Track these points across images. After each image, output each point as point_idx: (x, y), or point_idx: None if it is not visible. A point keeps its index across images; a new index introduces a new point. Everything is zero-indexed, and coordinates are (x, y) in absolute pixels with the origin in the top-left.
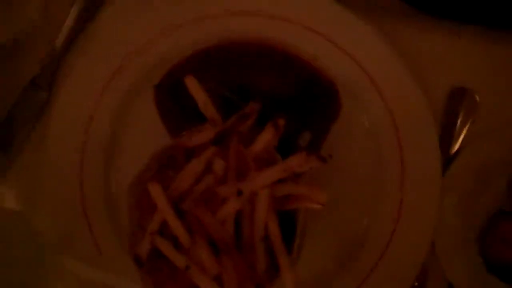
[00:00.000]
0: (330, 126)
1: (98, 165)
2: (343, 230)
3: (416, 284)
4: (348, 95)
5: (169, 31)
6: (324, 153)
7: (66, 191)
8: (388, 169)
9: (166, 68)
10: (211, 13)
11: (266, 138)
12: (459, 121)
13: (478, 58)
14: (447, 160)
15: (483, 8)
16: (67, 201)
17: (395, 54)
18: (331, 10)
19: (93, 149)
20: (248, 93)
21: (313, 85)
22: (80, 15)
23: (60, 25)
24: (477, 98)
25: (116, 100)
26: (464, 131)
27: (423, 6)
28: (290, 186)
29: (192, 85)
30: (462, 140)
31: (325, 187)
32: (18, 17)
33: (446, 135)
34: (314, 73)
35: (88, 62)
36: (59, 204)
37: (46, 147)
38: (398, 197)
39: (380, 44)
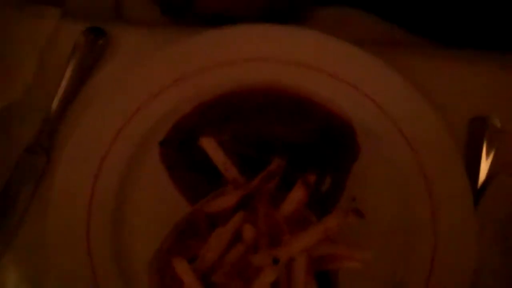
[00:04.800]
0: (350, 167)
1: (107, 237)
2: (377, 283)
3: None
4: (366, 136)
5: (172, 83)
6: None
7: (74, 265)
8: (416, 210)
9: (169, 125)
10: (217, 62)
11: (297, 197)
12: (483, 150)
13: (496, 85)
14: (476, 194)
15: (495, 33)
16: (76, 277)
17: (412, 88)
18: (343, 50)
19: (99, 220)
20: (265, 146)
21: (330, 128)
22: (75, 77)
23: (55, 88)
24: (499, 124)
25: (121, 163)
26: (489, 161)
27: (435, 36)
28: (328, 246)
29: (210, 145)
30: (489, 170)
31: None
32: (12, 82)
33: (472, 167)
34: (330, 116)
35: (87, 125)
36: (67, 283)
37: (48, 218)
38: (432, 242)
39: (395, 79)
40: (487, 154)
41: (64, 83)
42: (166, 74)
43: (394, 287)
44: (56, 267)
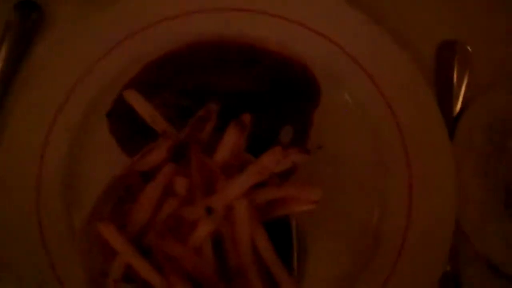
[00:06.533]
0: (312, 114)
1: (57, 205)
2: (352, 230)
3: (448, 268)
4: (325, 77)
5: (109, 50)
6: (312, 145)
7: (25, 242)
8: (387, 146)
9: (115, 92)
10: (158, 18)
11: (230, 140)
12: (455, 76)
13: (464, 10)
14: (452, 122)
15: None
16: (28, 254)
17: (367, 20)
18: None
19: (49, 190)
20: (209, 98)
21: (283, 74)
22: (12, 55)
23: None
24: (469, 49)
25: (66, 137)
26: (463, 88)
27: None
28: (271, 189)
29: (133, 98)
30: (463, 99)
31: (321, 184)
32: None
33: (444, 96)
34: (282, 61)
35: (29, 102)
36: (20, 264)
37: None
38: (406, 175)
39: (347, 13)
40: (460, 80)
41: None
42: (108, 36)
43: (372, 234)
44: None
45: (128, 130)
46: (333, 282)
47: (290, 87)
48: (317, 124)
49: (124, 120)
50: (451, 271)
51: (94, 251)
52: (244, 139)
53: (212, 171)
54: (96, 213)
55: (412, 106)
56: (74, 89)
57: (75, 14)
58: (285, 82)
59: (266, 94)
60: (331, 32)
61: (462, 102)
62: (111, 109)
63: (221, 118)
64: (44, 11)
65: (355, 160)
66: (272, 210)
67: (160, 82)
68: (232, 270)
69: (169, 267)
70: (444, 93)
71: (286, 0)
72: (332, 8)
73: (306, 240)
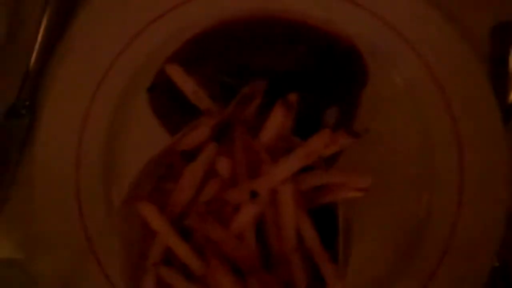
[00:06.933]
0: (359, 95)
1: (97, 187)
2: (398, 217)
3: (497, 264)
4: (373, 56)
5: (152, 21)
6: (358, 128)
7: (65, 224)
8: (438, 131)
9: (156, 67)
10: None
11: (276, 120)
12: (510, 59)
13: None
14: (507, 109)
15: None
16: (67, 236)
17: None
18: None
19: (88, 170)
20: (254, 76)
21: (330, 51)
22: (51, 29)
23: (32, 43)
24: None
25: (107, 110)
26: None
27: None
28: (319, 175)
29: (176, 73)
30: None
31: (367, 170)
32: None
33: (499, 80)
34: (328, 38)
35: (69, 75)
36: (59, 241)
37: (35, 177)
38: (457, 162)
39: None
40: None
41: (40, 36)
42: (152, 6)
43: (419, 226)
44: (47, 229)
45: (169, 106)
46: (376, 274)
47: (336, 66)
48: (364, 105)
49: (165, 96)
50: (500, 266)
51: (133, 232)
52: (291, 119)
53: (257, 153)
54: (135, 192)
55: (465, 90)
56: (116, 60)
57: None
58: (331, 61)
59: (311, 73)
60: (380, 8)
61: None
62: (152, 83)
63: (265, 98)
64: None
65: (403, 146)
66: (318, 196)
67: (202, 59)
68: (274, 256)
69: (210, 251)
70: (499, 77)
71: None
72: None
73: (351, 231)
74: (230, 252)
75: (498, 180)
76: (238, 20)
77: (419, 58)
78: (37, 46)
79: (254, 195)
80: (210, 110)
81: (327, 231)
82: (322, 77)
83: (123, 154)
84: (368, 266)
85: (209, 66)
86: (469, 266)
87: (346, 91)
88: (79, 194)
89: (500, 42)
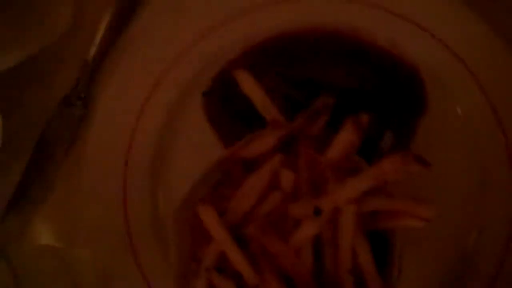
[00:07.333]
0: (417, 122)
1: (144, 186)
2: (447, 249)
3: None
4: (436, 84)
5: (214, 28)
6: None
7: (107, 218)
8: (495, 169)
9: (214, 71)
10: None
11: (345, 138)
12: None
13: None
14: None
15: None
16: (109, 231)
17: (487, 29)
18: None
19: (137, 169)
20: (317, 90)
21: (393, 75)
22: (113, 23)
23: (92, 36)
24: None
25: (160, 112)
26: None
27: None
28: (383, 199)
29: (245, 80)
30: None
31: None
32: (48, 29)
33: None
34: (392, 61)
35: (126, 73)
36: (100, 235)
37: (83, 169)
38: (510, 202)
39: (470, 20)
40: None
41: (101, 29)
42: (209, 16)
43: (466, 260)
44: (89, 221)
45: (223, 112)
46: None
47: (397, 91)
48: (420, 134)
49: (220, 102)
50: None
51: (186, 235)
52: (360, 139)
53: (322, 170)
54: (192, 195)
55: None
56: (175, 62)
57: None
58: (394, 85)
59: (372, 94)
60: (447, 36)
61: None
62: (209, 88)
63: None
64: None
65: (457, 181)
66: (377, 220)
67: (265, 68)
68: (327, 276)
69: (265, 262)
70: None
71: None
72: (450, 11)
73: (402, 260)
74: (286, 266)
75: None
76: (304, 33)
77: (483, 95)
78: (97, 39)
79: (317, 212)
80: (276, 121)
81: (379, 256)
82: (382, 100)
83: (172, 156)
84: None
85: (272, 77)
86: None
87: (404, 117)
88: (125, 191)
89: None
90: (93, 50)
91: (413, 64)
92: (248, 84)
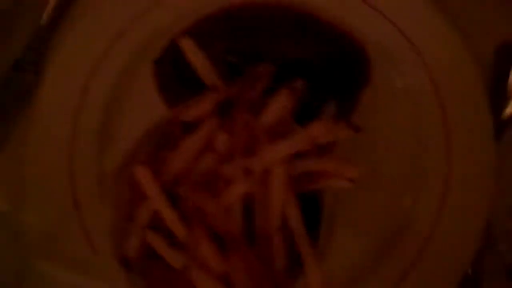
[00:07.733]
0: (359, 92)
1: (91, 150)
2: (381, 213)
3: (469, 272)
4: (379, 57)
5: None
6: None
7: (55, 181)
8: (430, 137)
9: (165, 40)
10: None
11: (280, 103)
12: (510, 78)
13: None
14: (501, 125)
15: None
16: (56, 193)
17: (434, 9)
18: None
19: (85, 134)
20: (261, 60)
21: (338, 47)
22: None
23: (46, 2)
24: None
25: (110, 79)
26: None
27: None
28: (311, 161)
29: (188, 46)
30: None
31: (356, 162)
32: None
33: (497, 97)
34: (339, 34)
35: (77, 39)
36: (46, 197)
37: (31, 130)
38: (445, 169)
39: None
40: None
41: None
42: None
43: (401, 221)
44: (36, 182)
45: (173, 80)
46: (351, 268)
47: (342, 63)
48: (363, 104)
49: (170, 69)
50: (473, 275)
51: (123, 195)
52: (293, 104)
53: (256, 132)
54: (132, 156)
55: (461, 99)
56: (126, 30)
57: None
58: (339, 57)
59: (316, 64)
60: (392, 12)
61: None
62: (160, 56)
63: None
64: None
65: (395, 147)
66: (307, 182)
67: (212, 38)
68: (257, 234)
69: (196, 220)
70: (498, 93)
71: None
72: None
73: (333, 219)
74: (216, 223)
75: (481, 193)
76: (251, 4)
77: (425, 71)
78: (51, 5)
79: (248, 172)
80: (215, 86)
81: (311, 220)
82: (326, 70)
83: (120, 122)
84: (344, 258)
85: (218, 46)
86: (443, 271)
87: (347, 87)
88: (72, 155)
89: (503, 61)
90: (46, 15)
91: (360, 38)
92: (191, 50)
